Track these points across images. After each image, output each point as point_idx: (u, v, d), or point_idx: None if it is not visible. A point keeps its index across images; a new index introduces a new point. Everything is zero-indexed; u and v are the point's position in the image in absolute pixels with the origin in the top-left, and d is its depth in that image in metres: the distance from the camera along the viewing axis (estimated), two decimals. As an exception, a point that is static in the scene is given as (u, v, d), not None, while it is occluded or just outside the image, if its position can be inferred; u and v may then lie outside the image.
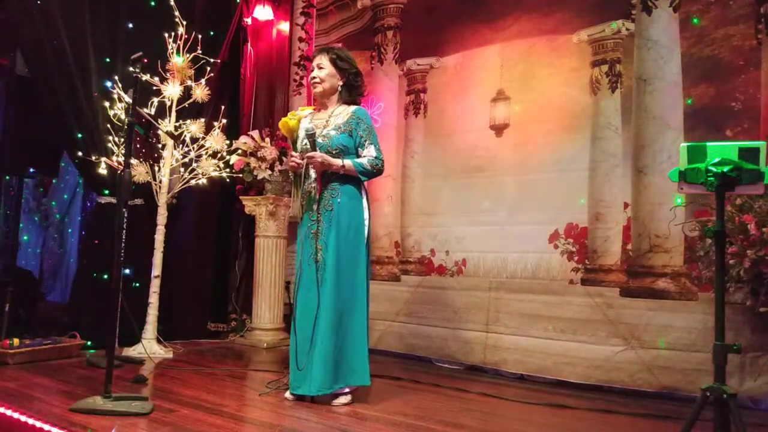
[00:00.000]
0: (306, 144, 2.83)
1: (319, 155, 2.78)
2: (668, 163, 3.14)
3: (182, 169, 3.99)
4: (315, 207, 2.83)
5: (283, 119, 3.01)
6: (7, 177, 4.50)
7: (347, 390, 2.77)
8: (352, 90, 2.97)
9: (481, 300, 3.80)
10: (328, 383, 2.70)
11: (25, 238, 5.86)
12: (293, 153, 2.95)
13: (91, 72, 4.02)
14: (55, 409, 2.43)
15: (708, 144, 2.02)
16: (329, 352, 2.69)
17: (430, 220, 4.16)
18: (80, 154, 3.93)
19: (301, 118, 2.96)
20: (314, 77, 2.94)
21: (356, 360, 2.75)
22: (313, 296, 2.76)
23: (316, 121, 2.93)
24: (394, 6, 4.49)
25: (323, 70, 2.91)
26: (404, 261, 4.25)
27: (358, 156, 2.86)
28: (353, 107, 2.93)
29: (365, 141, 2.85)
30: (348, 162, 2.80)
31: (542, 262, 3.60)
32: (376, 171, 2.85)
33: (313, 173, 2.86)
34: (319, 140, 2.84)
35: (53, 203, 6.44)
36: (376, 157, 2.84)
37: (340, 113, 2.90)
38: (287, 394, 2.80)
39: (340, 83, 2.92)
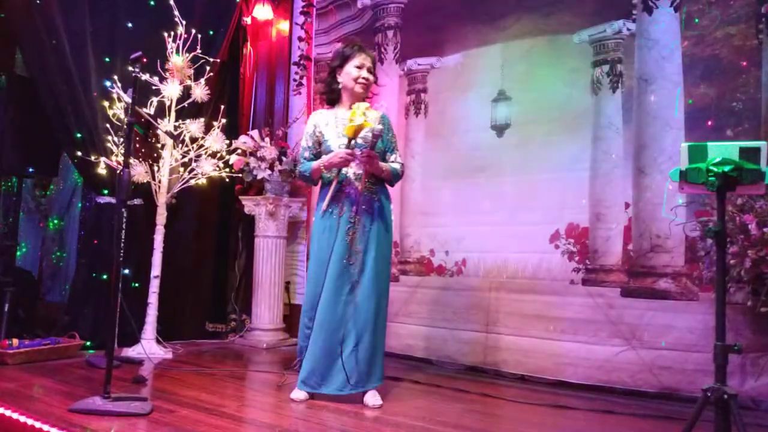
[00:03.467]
0: (354, 143, 2.75)
1: (375, 154, 2.79)
2: (669, 163, 3.12)
3: (182, 169, 3.99)
4: (354, 208, 2.80)
5: (354, 125, 2.67)
6: (10, 181, 4.49)
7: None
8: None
9: (481, 300, 3.79)
10: (374, 380, 2.78)
11: (23, 245, 5.85)
12: (348, 149, 2.74)
13: (90, 71, 4.01)
14: (54, 409, 2.42)
15: (709, 144, 2.01)
16: (369, 351, 2.75)
17: (430, 220, 4.15)
18: (79, 153, 3.91)
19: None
20: (367, 78, 2.92)
21: (381, 359, 2.84)
22: (346, 297, 2.77)
23: (340, 120, 2.88)
24: (394, 6, 4.47)
25: (371, 75, 2.95)
26: (403, 261, 4.24)
27: (385, 161, 2.92)
28: (378, 112, 2.91)
29: (394, 146, 2.97)
30: (387, 166, 2.88)
31: (543, 262, 3.59)
32: (401, 177, 2.98)
33: (351, 173, 2.84)
34: (359, 141, 2.78)
35: (52, 203, 6.43)
36: (402, 164, 2.97)
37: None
38: (297, 394, 2.77)
39: None
